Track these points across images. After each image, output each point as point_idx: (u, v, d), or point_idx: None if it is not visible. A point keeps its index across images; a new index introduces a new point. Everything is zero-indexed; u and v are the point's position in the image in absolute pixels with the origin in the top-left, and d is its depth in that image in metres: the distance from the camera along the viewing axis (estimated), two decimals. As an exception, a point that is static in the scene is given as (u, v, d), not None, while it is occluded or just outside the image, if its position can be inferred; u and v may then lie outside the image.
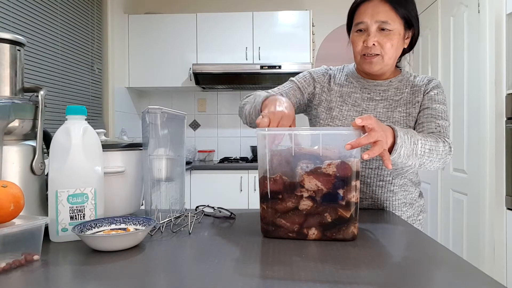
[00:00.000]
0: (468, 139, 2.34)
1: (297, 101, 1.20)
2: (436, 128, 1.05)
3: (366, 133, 0.78)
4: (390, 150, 0.87)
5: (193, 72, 3.19)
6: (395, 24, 1.05)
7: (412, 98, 1.13)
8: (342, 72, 1.22)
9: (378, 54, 1.07)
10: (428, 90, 1.13)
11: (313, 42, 3.36)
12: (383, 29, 1.05)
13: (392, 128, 0.88)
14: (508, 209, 2.01)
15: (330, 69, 1.24)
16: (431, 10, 2.87)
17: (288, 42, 3.26)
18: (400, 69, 1.20)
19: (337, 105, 1.17)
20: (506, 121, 2.02)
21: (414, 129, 1.10)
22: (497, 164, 2.07)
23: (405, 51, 1.15)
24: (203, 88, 3.49)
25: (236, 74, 3.20)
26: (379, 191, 1.13)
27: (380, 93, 1.15)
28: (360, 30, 1.08)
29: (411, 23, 1.08)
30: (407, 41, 1.12)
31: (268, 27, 3.28)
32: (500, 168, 2.06)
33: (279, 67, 3.14)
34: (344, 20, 1.17)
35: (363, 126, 0.77)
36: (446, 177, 2.65)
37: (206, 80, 3.27)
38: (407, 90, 1.15)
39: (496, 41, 2.06)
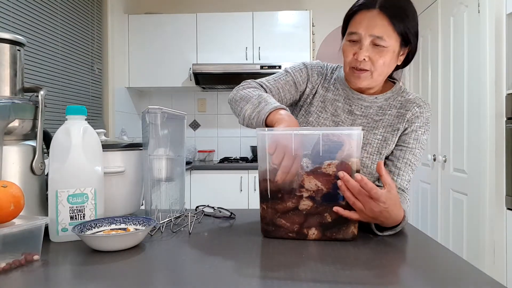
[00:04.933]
0: (468, 139, 2.34)
1: (291, 97, 1.11)
2: (406, 184, 1.02)
3: (356, 210, 0.77)
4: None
5: (193, 72, 3.19)
6: (391, 41, 0.95)
7: (394, 122, 1.04)
8: (332, 74, 1.13)
9: (367, 70, 0.98)
10: (415, 123, 1.03)
11: (313, 42, 3.36)
12: (376, 45, 0.95)
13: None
14: (508, 209, 2.01)
15: (325, 67, 1.15)
16: (431, 10, 2.87)
17: (288, 42, 3.26)
18: (394, 82, 1.10)
19: (316, 110, 1.09)
20: (506, 121, 2.02)
21: (384, 154, 1.04)
22: (497, 164, 2.07)
23: (397, 67, 1.05)
24: (203, 88, 3.49)
25: (236, 74, 3.20)
26: None
27: (361, 108, 1.06)
28: (353, 41, 0.98)
29: (408, 40, 0.98)
30: (402, 58, 1.02)
31: (268, 27, 3.28)
32: (500, 168, 2.06)
33: (279, 67, 3.14)
34: (344, 20, 1.14)
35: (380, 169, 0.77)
36: (446, 177, 2.65)
37: (206, 80, 3.27)
38: (390, 111, 1.05)
39: (496, 41, 2.06)
